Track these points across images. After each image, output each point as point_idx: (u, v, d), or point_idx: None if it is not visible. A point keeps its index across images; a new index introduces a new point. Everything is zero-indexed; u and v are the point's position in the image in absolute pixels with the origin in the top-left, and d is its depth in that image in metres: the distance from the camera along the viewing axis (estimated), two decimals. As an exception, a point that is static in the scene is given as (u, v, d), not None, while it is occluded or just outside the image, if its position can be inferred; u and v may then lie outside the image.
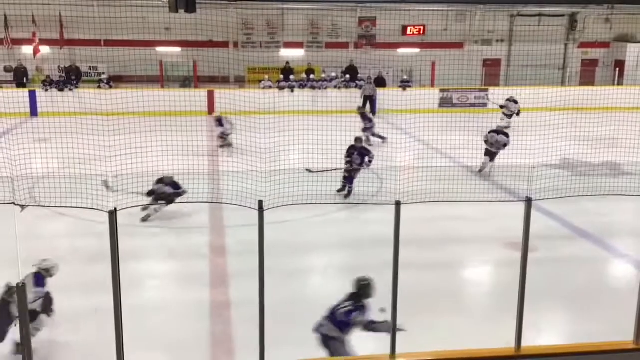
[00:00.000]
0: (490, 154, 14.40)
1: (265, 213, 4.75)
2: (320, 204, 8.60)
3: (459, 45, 26.73)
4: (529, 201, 5.06)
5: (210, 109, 22.51)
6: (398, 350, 5.05)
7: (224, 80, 23.28)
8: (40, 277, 6.61)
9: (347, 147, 12.91)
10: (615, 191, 10.41)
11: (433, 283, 8.73)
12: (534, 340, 5.47)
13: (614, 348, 5.38)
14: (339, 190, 12.36)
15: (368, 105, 23.43)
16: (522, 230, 5.04)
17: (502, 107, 20.51)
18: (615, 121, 17.52)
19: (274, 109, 12.11)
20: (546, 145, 14.33)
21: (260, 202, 4.78)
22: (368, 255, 9.83)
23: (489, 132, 14.61)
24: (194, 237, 10.50)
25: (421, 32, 26.38)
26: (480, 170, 14.38)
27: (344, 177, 12.41)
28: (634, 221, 11.65)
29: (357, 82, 24.85)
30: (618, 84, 26.66)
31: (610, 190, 10.96)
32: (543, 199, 5.63)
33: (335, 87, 24.63)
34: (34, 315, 6.21)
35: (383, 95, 23.56)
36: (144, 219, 10.89)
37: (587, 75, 27.97)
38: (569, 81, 27.09)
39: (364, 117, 18.29)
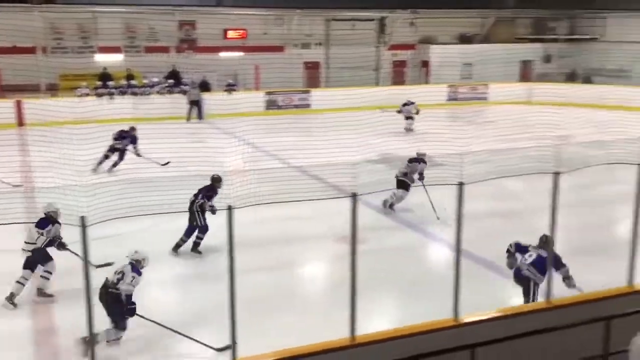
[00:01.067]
0: (405, 186, 12.38)
1: (92, 228, 4.47)
2: (151, 214, 8.28)
3: (279, 48, 27.30)
4: (354, 196, 5.30)
5: (20, 120, 20.69)
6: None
7: (34, 89, 21.49)
8: (135, 267, 6.99)
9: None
10: (431, 182, 11.29)
11: (268, 285, 8.82)
12: (366, 328, 5.73)
13: (437, 327, 5.82)
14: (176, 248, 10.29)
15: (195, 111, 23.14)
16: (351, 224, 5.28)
17: (399, 112, 20.73)
18: (426, 117, 19.10)
19: (92, 118, 11.43)
20: (365, 142, 15.19)
21: (83, 219, 4.48)
22: (205, 263, 9.73)
23: (408, 162, 12.53)
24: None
25: (243, 35, 26.55)
26: (391, 206, 12.34)
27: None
28: (447, 208, 12.72)
29: (181, 86, 24.34)
30: (425, 83, 29.02)
31: (427, 181, 11.90)
32: (368, 193, 5.94)
33: (158, 92, 23.91)
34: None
35: (208, 100, 23.33)
36: None
37: (398, 75, 30.08)
38: (383, 82, 28.91)
39: None
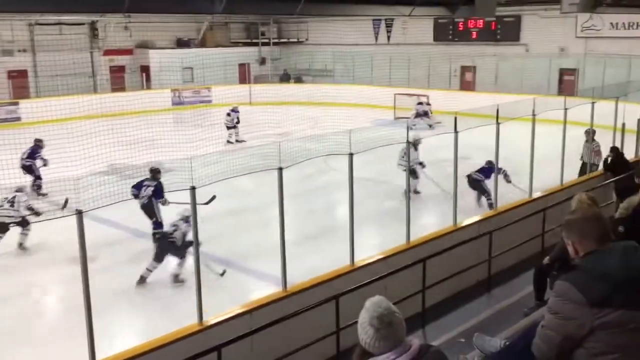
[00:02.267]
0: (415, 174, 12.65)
1: None
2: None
3: (-25, 56, 24.16)
4: (79, 213, 4.95)
5: None
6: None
7: None
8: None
9: None
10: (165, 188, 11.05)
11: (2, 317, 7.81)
12: (109, 350, 5.42)
13: (183, 334, 5.77)
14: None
15: None
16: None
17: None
18: (150, 123, 18.66)
19: None
20: (90, 153, 14.30)
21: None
22: None
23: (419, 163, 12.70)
24: None
25: None
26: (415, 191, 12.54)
27: None
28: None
29: None
30: (147, 88, 28.40)
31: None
32: (94, 208, 5.59)
33: None
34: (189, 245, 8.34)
35: None
36: None
37: (118, 81, 28.92)
38: (101, 88, 27.53)
39: None
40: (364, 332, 2.35)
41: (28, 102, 23.97)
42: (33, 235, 10.43)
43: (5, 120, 23.06)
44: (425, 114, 22.34)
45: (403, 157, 11.38)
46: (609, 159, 11.53)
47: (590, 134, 12.40)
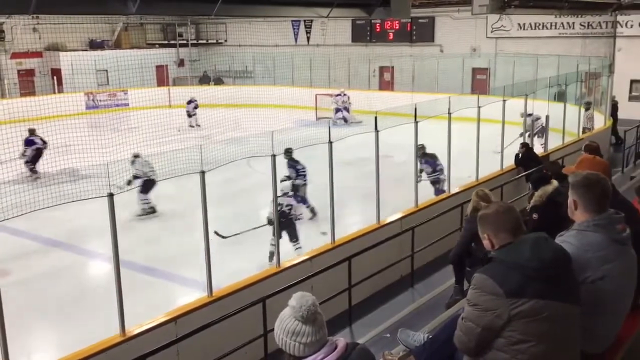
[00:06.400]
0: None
1: None
2: None
3: None
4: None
5: None
6: None
7: None
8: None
9: None
10: (77, 196, 10.64)
11: None
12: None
13: (105, 346, 5.59)
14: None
15: None
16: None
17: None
18: (65, 127, 17.90)
19: None
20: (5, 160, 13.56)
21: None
22: None
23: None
24: None
25: None
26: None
27: None
28: (99, 221, 12.23)
29: None
30: (58, 92, 27.24)
31: (72, 196, 11.17)
32: (6, 219, 5.32)
33: None
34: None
35: None
36: None
37: (27, 85, 27.59)
38: (10, 93, 26.19)
39: None
40: (294, 334, 2.25)
41: None
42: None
43: None
44: (346, 108, 22.72)
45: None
46: (520, 154, 12.11)
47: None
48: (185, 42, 32.12)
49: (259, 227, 9.22)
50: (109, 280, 8.38)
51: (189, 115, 23.62)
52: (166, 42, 32.29)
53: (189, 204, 10.19)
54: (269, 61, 29.72)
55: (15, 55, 27.01)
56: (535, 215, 6.06)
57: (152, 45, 31.87)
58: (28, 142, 16.00)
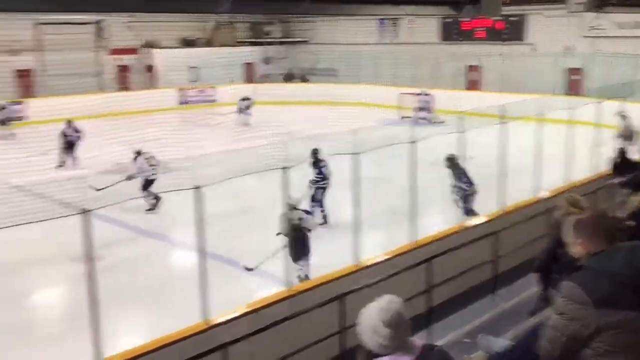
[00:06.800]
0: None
1: None
2: None
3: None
4: (85, 212, 4.97)
5: None
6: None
7: None
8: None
9: None
10: (167, 188, 11.08)
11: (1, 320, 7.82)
12: (115, 348, 5.43)
13: (189, 333, 5.77)
14: None
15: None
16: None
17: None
18: (158, 122, 18.71)
19: None
20: (98, 153, 14.35)
21: None
22: None
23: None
24: None
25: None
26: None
27: None
28: (186, 214, 12.67)
29: None
30: (153, 87, 28.45)
31: (163, 188, 11.66)
32: (100, 207, 5.60)
33: None
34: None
35: None
36: None
37: (123, 80, 28.97)
38: (106, 88, 27.56)
39: None
40: (374, 333, 2.32)
41: (34, 101, 24.03)
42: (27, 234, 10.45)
43: (9, 119, 22.97)
44: (427, 108, 22.40)
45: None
46: (618, 159, 11.52)
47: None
48: (271, 40, 32.69)
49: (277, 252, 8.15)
50: (192, 269, 8.70)
51: (240, 112, 23.35)
52: (254, 40, 32.99)
53: (270, 200, 10.38)
54: (354, 60, 29.72)
55: (113, 52, 28.38)
56: (632, 223, 5.69)
57: (241, 43, 32.65)
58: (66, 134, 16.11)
